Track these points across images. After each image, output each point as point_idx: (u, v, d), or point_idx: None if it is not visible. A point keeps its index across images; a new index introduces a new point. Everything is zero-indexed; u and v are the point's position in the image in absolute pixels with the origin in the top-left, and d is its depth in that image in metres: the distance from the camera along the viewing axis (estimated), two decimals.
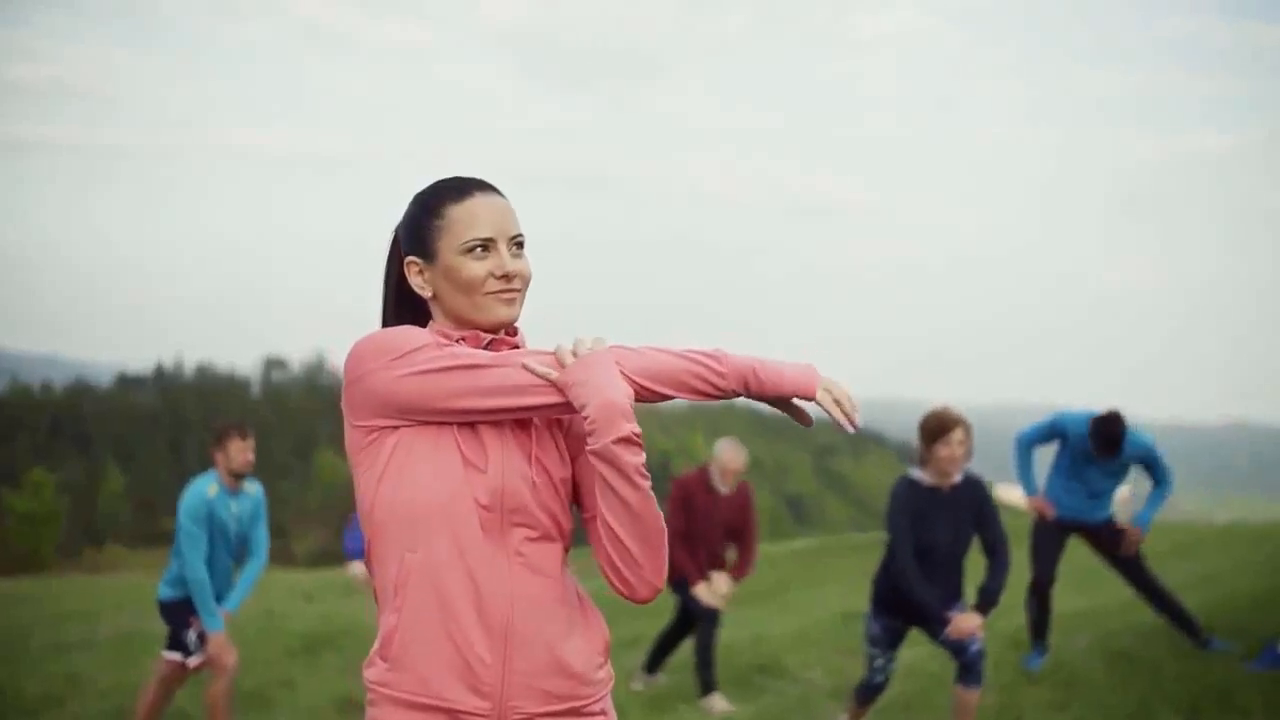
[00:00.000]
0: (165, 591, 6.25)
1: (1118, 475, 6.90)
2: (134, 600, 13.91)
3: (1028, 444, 6.99)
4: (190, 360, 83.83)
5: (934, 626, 5.26)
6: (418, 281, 2.21)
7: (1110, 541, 6.99)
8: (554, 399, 2.08)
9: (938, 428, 5.22)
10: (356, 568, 7.10)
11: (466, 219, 2.16)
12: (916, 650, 7.07)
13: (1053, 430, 6.95)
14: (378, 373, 2.08)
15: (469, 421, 2.10)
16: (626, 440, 2.03)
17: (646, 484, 2.07)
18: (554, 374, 2.07)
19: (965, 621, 5.17)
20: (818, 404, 2.15)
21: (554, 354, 2.11)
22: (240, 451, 6.17)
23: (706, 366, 2.12)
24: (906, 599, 5.28)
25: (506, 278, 2.15)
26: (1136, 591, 7.14)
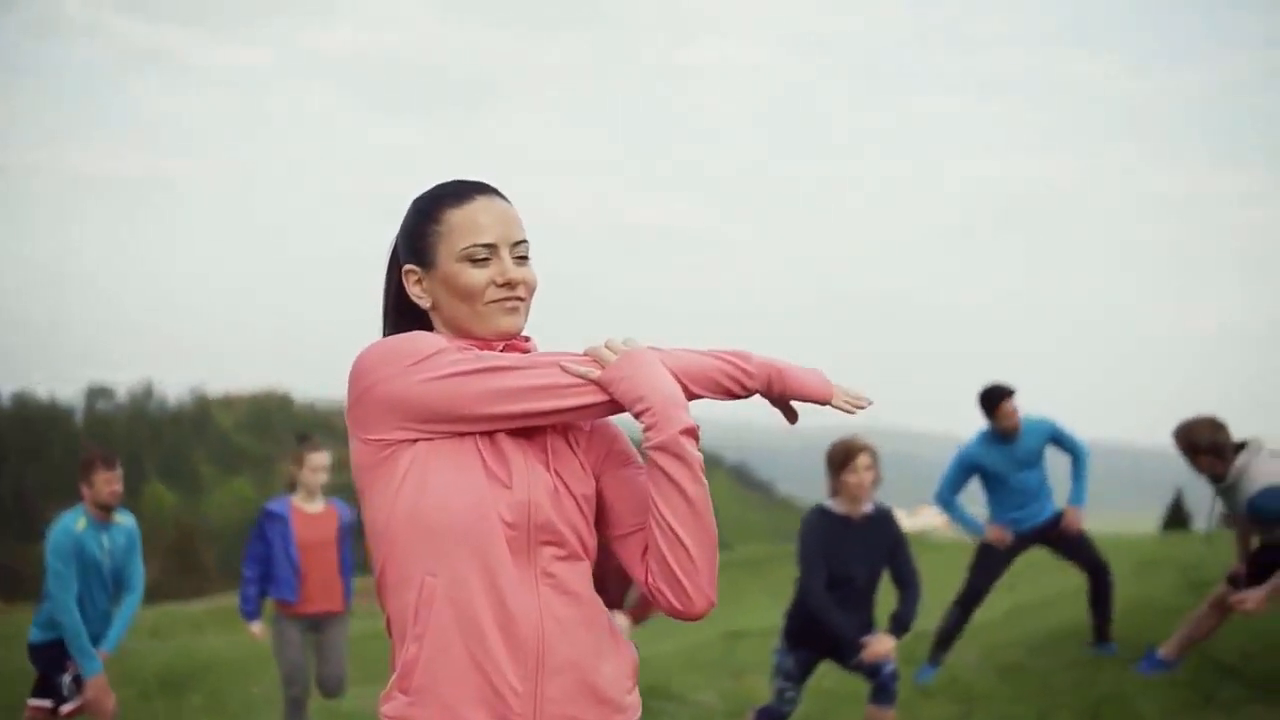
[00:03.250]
0: (36, 634, 5.88)
1: (1037, 464, 6.99)
2: None
3: (950, 495, 7.06)
4: (6, 388, 79.89)
5: (847, 653, 5.24)
6: (416, 291, 2.09)
7: (1063, 532, 7.01)
8: (596, 398, 1.97)
9: (844, 456, 5.23)
10: (256, 628, 6.69)
11: (466, 224, 2.04)
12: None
13: (963, 466, 7.01)
14: (394, 379, 1.94)
15: (501, 428, 1.98)
16: (690, 431, 1.94)
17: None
18: (594, 372, 1.97)
19: (879, 644, 5.18)
20: (833, 407, 2.11)
21: (587, 354, 2.00)
22: (107, 482, 5.82)
23: (736, 366, 2.06)
24: (820, 630, 5.25)
25: (509, 285, 2.03)
26: (1090, 577, 7.10)
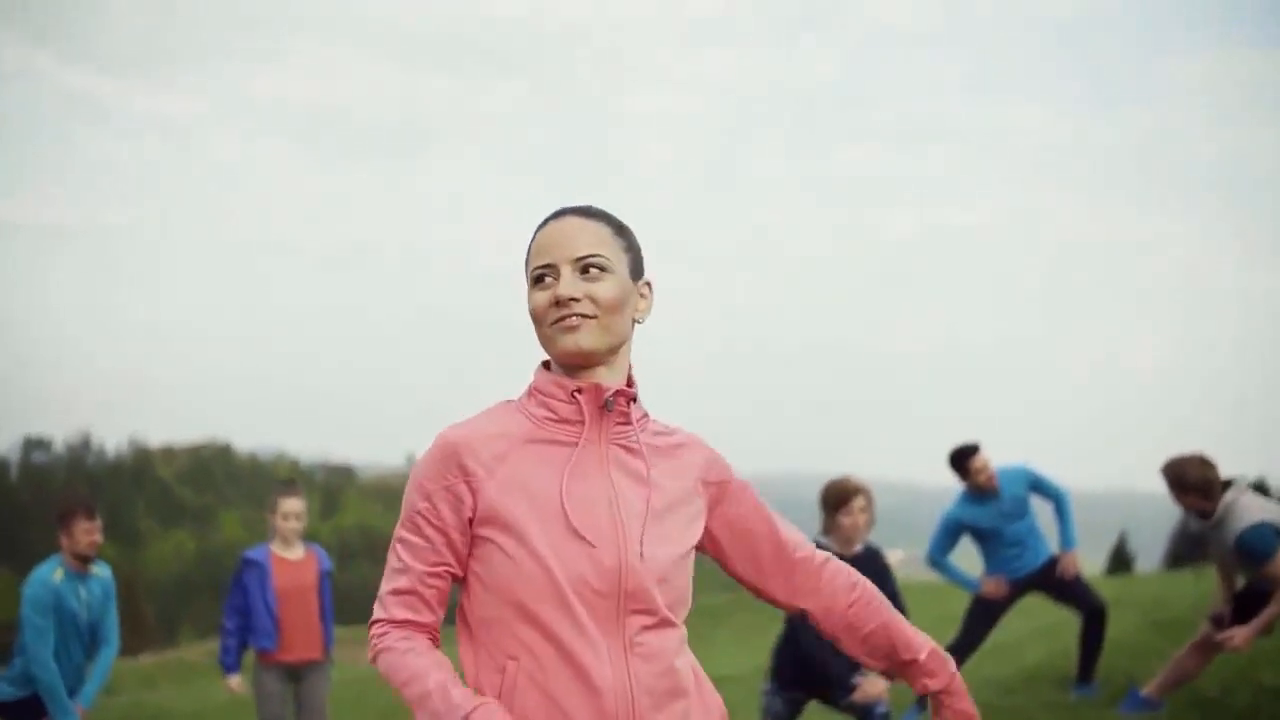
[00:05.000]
0: (8, 690, 5.76)
1: (1023, 514, 7.02)
2: None
3: (940, 555, 7.11)
4: None
5: (838, 693, 5.25)
6: None
7: (1059, 577, 7.02)
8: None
9: (839, 496, 5.28)
10: (234, 681, 6.55)
11: (534, 250, 2.01)
12: None
13: (948, 529, 7.05)
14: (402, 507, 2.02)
15: None
16: None
17: None
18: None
19: (872, 686, 5.19)
20: None
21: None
22: (86, 533, 5.75)
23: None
24: (810, 669, 5.26)
25: (562, 302, 1.93)
26: (1086, 618, 7.08)
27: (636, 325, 2.05)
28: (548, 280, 1.96)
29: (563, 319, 1.93)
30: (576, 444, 1.96)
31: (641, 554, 1.92)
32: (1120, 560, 46.13)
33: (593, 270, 1.95)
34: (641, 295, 2.05)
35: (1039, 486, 7.03)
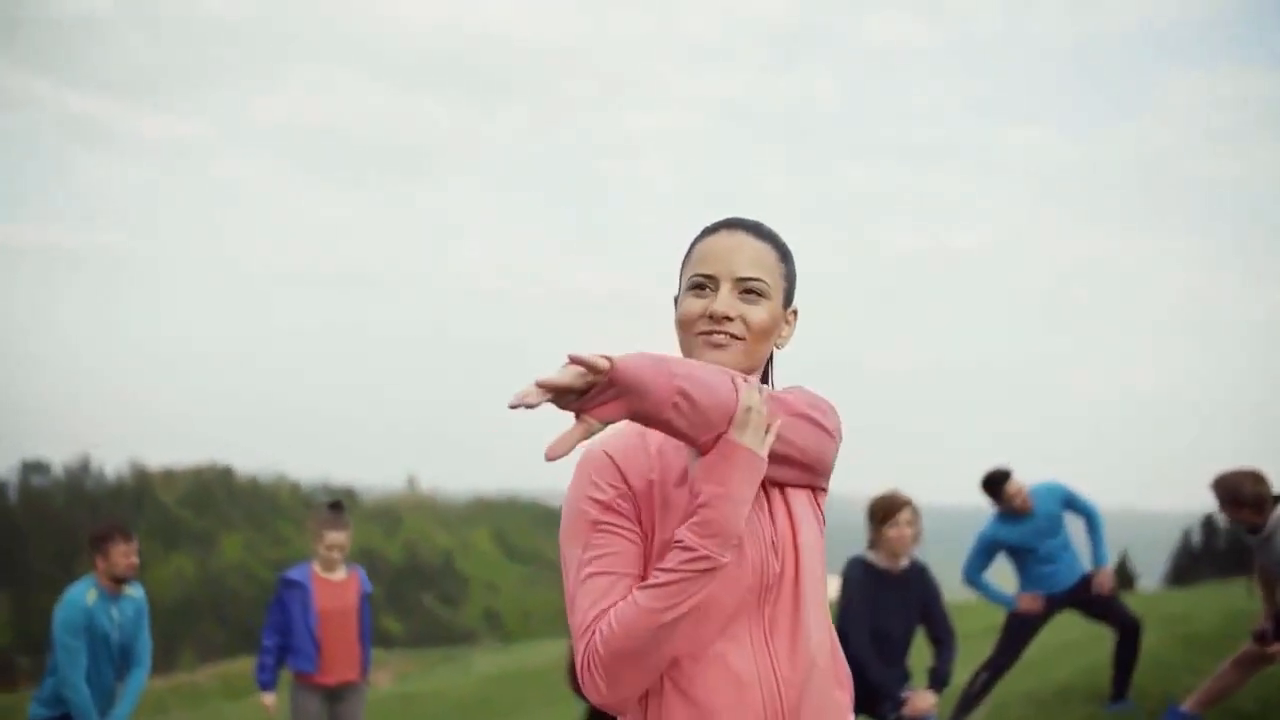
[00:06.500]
0: (39, 711, 5.74)
1: (1057, 531, 7.02)
2: None
3: (976, 574, 7.11)
4: None
5: (886, 706, 5.23)
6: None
7: (1094, 594, 7.02)
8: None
9: (886, 510, 5.29)
10: (269, 699, 6.49)
11: (699, 255, 1.99)
12: None
13: (985, 549, 7.05)
14: (563, 526, 1.91)
15: None
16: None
17: None
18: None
19: (921, 700, 5.18)
20: None
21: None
22: (124, 555, 5.73)
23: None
24: (858, 683, 5.23)
25: (712, 318, 1.92)
26: (1121, 635, 7.06)
27: (776, 351, 2.06)
28: (706, 290, 1.96)
29: (711, 334, 1.93)
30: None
31: (774, 543, 1.90)
32: (1122, 578, 46.22)
33: (752, 294, 1.96)
34: (787, 322, 2.05)
35: (1072, 502, 7.03)
